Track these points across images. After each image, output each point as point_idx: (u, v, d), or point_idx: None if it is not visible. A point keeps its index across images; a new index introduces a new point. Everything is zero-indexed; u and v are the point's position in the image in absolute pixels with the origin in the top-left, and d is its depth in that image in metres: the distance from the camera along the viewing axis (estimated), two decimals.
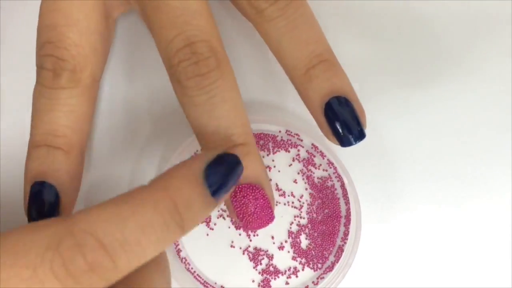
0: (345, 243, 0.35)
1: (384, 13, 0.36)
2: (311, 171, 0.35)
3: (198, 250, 0.35)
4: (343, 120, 0.29)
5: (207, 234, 0.35)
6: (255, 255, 0.35)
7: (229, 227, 0.35)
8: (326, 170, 0.35)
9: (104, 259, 0.21)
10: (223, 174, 0.25)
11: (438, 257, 0.36)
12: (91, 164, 0.35)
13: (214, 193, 0.24)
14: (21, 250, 0.21)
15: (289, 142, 0.35)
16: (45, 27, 0.30)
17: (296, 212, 0.35)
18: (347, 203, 0.35)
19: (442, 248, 0.36)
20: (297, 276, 0.35)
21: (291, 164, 0.35)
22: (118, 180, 0.35)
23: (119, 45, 0.36)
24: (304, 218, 0.35)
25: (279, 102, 0.36)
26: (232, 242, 0.35)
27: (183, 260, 0.35)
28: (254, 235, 0.35)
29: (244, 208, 0.29)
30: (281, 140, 0.35)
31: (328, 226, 0.35)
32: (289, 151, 0.35)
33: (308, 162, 0.35)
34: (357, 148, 0.30)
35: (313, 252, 0.35)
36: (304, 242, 0.35)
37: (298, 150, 0.35)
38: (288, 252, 0.35)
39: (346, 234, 0.35)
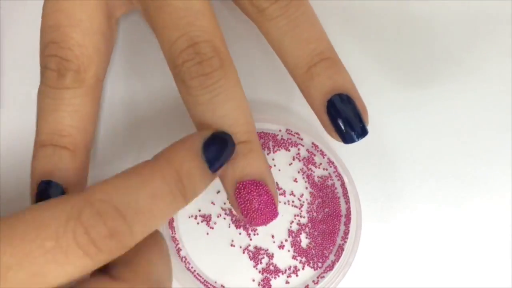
0: (345, 242, 0.35)
1: (384, 13, 0.36)
2: (312, 170, 0.35)
3: (198, 249, 0.35)
4: (346, 117, 0.29)
5: (207, 233, 0.35)
6: (255, 254, 0.35)
7: (229, 226, 0.35)
8: (326, 169, 0.35)
9: (123, 226, 0.23)
10: (218, 149, 0.27)
11: (438, 256, 0.36)
12: (91, 163, 0.35)
13: (210, 167, 0.27)
14: (42, 223, 0.22)
15: (290, 141, 0.35)
16: (49, 28, 0.30)
17: (296, 211, 0.35)
18: (347, 202, 0.35)
19: (442, 248, 0.36)
20: (297, 275, 0.35)
21: (291, 163, 0.35)
22: None
23: (120, 45, 0.36)
24: (304, 217, 0.35)
25: (279, 101, 0.36)
26: (232, 241, 0.35)
27: (183, 259, 0.35)
28: (254, 234, 0.35)
29: (248, 204, 0.29)
30: (282, 139, 0.35)
31: (328, 225, 0.35)
32: (289, 150, 0.35)
33: (309, 161, 0.35)
34: (357, 147, 0.30)
35: (313, 251, 0.35)
36: (304, 241, 0.35)
37: (299, 149, 0.35)
38: (288, 251, 0.35)
39: (346, 233, 0.35)
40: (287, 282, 0.35)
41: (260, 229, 0.35)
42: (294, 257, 0.35)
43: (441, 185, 0.36)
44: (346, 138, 0.29)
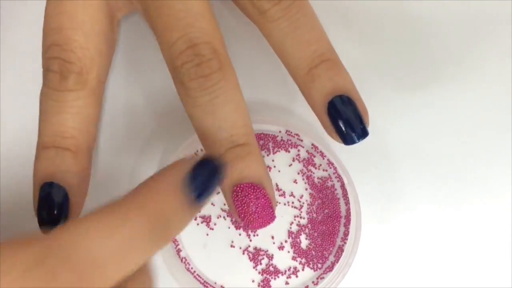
0: (345, 243, 0.35)
1: (384, 13, 0.36)
2: (311, 171, 0.35)
3: (198, 250, 0.35)
4: (346, 119, 0.29)
5: (207, 234, 0.35)
6: (255, 255, 0.35)
7: (229, 227, 0.35)
8: (326, 170, 0.35)
9: (93, 272, 0.21)
10: (205, 179, 0.24)
11: (438, 257, 0.36)
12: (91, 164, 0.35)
13: (196, 199, 0.24)
14: (2, 270, 0.20)
15: (289, 142, 0.35)
16: (51, 30, 0.30)
17: (296, 212, 0.35)
18: (347, 203, 0.35)
19: (442, 248, 0.36)
20: (297, 276, 0.35)
21: (291, 164, 0.35)
22: (118, 181, 0.35)
23: (121, 46, 0.36)
24: (304, 218, 0.35)
25: (279, 102, 0.36)
26: (232, 242, 0.35)
27: (183, 260, 0.35)
28: (254, 235, 0.35)
29: (246, 207, 0.29)
30: (281, 140, 0.35)
31: (328, 226, 0.35)
32: (289, 151, 0.35)
33: (308, 162, 0.35)
34: (357, 148, 0.30)
35: (313, 252, 0.35)
36: (304, 242, 0.35)
37: (298, 150, 0.35)
38: (288, 252, 0.35)
39: (346, 234, 0.35)
40: (287, 283, 0.35)
41: (260, 230, 0.35)
42: (294, 258, 0.35)
43: (441, 186, 0.36)
44: (347, 139, 0.29)
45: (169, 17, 0.29)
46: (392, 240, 0.36)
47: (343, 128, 0.29)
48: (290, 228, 0.35)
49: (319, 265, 0.35)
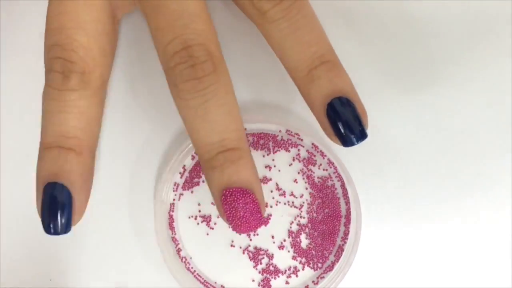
0: (345, 242, 0.35)
1: (384, 13, 0.36)
2: (311, 171, 0.35)
3: (198, 249, 0.35)
4: (345, 121, 0.29)
5: (207, 234, 0.35)
6: (255, 255, 0.35)
7: (229, 227, 0.35)
8: (326, 170, 0.35)
9: None
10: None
11: (438, 257, 0.36)
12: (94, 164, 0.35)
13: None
14: None
15: (289, 141, 0.35)
16: (53, 30, 0.30)
17: (296, 211, 0.35)
18: (347, 202, 0.35)
19: (442, 248, 0.36)
20: (297, 276, 0.35)
21: (291, 164, 0.35)
22: (118, 181, 0.35)
23: (120, 45, 0.36)
24: (304, 217, 0.35)
25: (279, 102, 0.36)
26: (232, 241, 0.35)
27: (183, 259, 0.35)
28: (254, 235, 0.35)
29: (234, 211, 0.29)
30: (281, 139, 0.35)
31: (328, 226, 0.35)
32: (289, 151, 0.35)
33: (309, 161, 0.35)
34: (357, 147, 0.30)
35: (313, 252, 0.35)
36: (304, 241, 0.35)
37: (298, 150, 0.35)
38: (288, 251, 0.35)
39: (346, 233, 0.35)
40: (287, 283, 0.35)
41: (260, 229, 0.35)
42: (294, 258, 0.35)
43: (441, 186, 0.36)
44: (346, 141, 0.29)
45: (164, 17, 0.29)
46: (392, 239, 0.36)
47: (342, 130, 0.29)
48: (290, 227, 0.35)
49: (319, 265, 0.35)
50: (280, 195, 0.35)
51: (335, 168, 0.34)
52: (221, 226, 0.35)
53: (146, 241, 0.35)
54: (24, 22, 0.36)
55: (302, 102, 0.30)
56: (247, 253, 0.35)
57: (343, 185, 0.35)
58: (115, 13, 0.32)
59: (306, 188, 0.35)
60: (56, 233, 0.29)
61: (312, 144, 0.35)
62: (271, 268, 0.35)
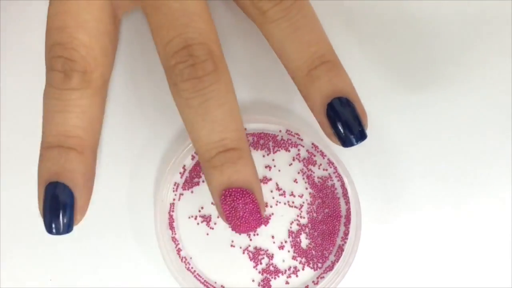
0: (345, 242, 0.35)
1: (384, 13, 0.36)
2: (311, 171, 0.35)
3: (198, 249, 0.35)
4: (345, 121, 0.29)
5: (207, 234, 0.35)
6: (255, 255, 0.35)
7: (229, 227, 0.35)
8: (326, 170, 0.35)
9: None
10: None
11: (438, 257, 0.36)
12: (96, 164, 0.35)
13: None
14: None
15: (289, 141, 0.35)
16: (54, 29, 0.30)
17: (296, 211, 0.35)
18: (347, 202, 0.35)
19: (442, 248, 0.36)
20: (297, 276, 0.35)
21: (291, 164, 0.35)
22: (118, 181, 0.35)
23: (121, 43, 0.36)
24: (304, 217, 0.35)
25: (279, 101, 0.36)
26: (232, 241, 0.35)
27: (183, 259, 0.35)
28: (254, 235, 0.35)
29: (233, 212, 0.29)
30: (281, 139, 0.35)
31: (328, 226, 0.35)
32: (289, 151, 0.35)
33: (309, 161, 0.35)
34: (357, 147, 0.30)
35: (313, 252, 0.35)
36: (304, 241, 0.35)
37: (299, 150, 0.35)
38: (288, 251, 0.35)
39: (346, 233, 0.35)
40: (287, 283, 0.35)
41: (260, 229, 0.35)
42: (294, 258, 0.35)
43: (441, 186, 0.36)
44: (345, 142, 0.29)
45: (165, 16, 0.29)
46: (392, 239, 0.36)
47: (342, 130, 0.29)
48: (290, 227, 0.35)
49: (319, 265, 0.35)
50: (280, 195, 0.35)
51: (335, 168, 0.34)
52: (221, 226, 0.35)
53: (146, 241, 0.35)
54: (24, 22, 0.36)
55: (302, 102, 0.30)
56: (247, 253, 0.35)
57: (343, 185, 0.35)
58: (116, 13, 0.32)
59: (306, 188, 0.35)
60: (58, 233, 0.29)
61: (312, 144, 0.35)
62: (271, 268, 0.35)
